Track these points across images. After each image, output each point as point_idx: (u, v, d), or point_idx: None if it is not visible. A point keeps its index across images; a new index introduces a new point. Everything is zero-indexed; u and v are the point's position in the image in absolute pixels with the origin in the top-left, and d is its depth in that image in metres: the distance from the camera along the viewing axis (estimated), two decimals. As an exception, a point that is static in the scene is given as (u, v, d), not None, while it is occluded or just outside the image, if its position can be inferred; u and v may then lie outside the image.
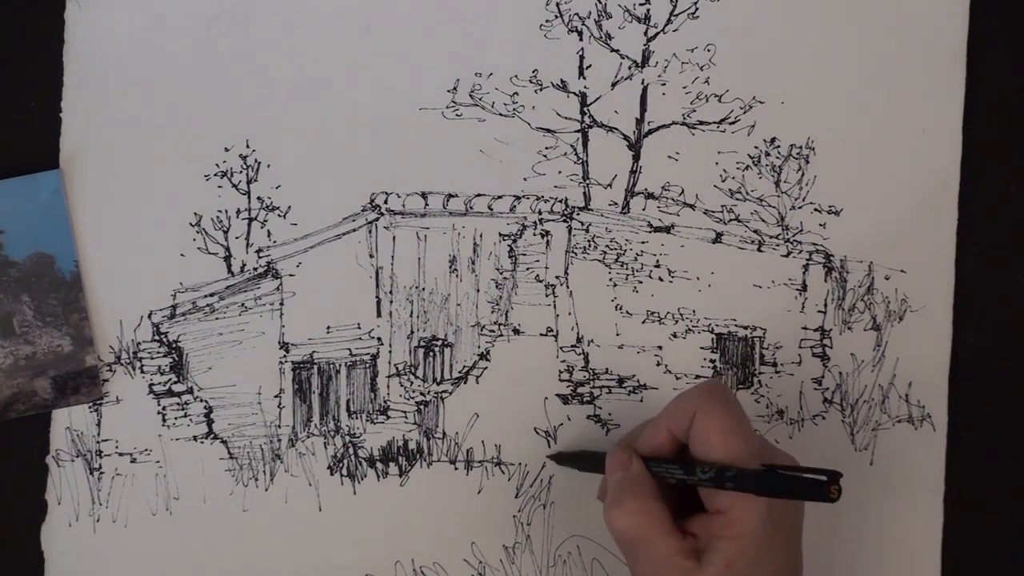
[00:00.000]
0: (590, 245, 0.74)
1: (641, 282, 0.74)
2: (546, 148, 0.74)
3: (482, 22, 0.73)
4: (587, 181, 0.74)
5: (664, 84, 0.74)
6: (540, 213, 0.74)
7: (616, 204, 0.74)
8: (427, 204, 0.73)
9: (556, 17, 0.73)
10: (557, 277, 0.74)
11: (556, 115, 0.74)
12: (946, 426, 0.75)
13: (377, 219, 0.73)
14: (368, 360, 0.73)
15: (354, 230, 0.73)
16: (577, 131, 0.74)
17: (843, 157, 0.75)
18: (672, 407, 0.63)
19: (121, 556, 0.72)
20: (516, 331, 0.74)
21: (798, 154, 0.75)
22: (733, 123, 0.74)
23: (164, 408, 0.72)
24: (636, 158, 0.74)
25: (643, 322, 0.74)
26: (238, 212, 0.72)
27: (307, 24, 0.73)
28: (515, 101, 0.73)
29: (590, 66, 0.74)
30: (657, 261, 0.74)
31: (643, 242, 0.74)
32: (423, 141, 0.73)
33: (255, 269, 0.73)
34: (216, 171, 0.72)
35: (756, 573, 0.59)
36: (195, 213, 0.72)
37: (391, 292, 0.73)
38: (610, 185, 0.74)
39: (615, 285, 0.74)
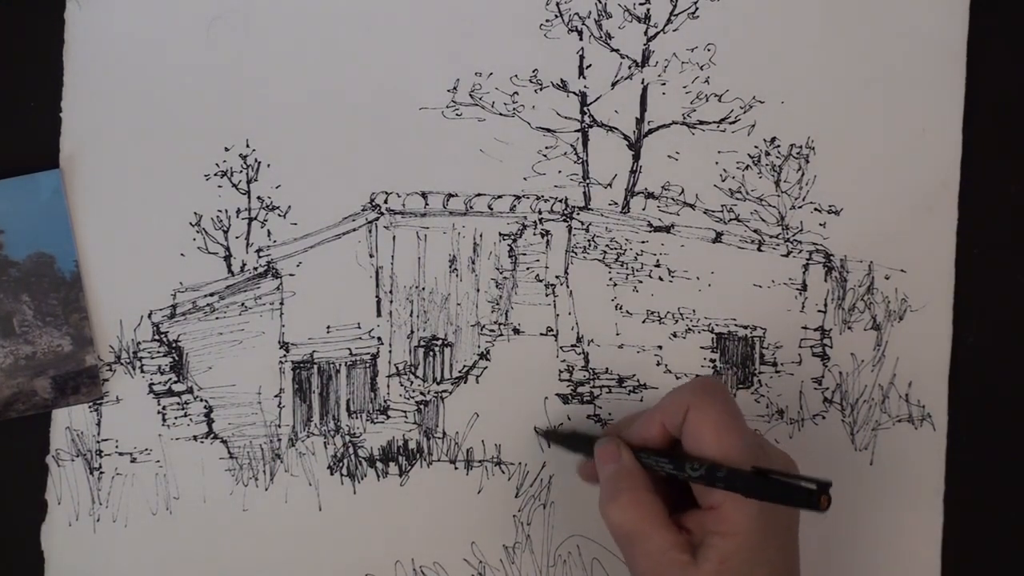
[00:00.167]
0: (590, 245, 0.74)
1: (641, 282, 0.74)
2: (546, 148, 0.74)
3: (482, 22, 0.73)
4: (587, 181, 0.74)
5: (664, 84, 0.74)
6: (540, 213, 0.74)
7: (616, 204, 0.74)
8: (427, 204, 0.73)
9: (556, 17, 0.74)
10: (557, 277, 0.74)
11: (556, 115, 0.74)
12: (946, 426, 0.75)
13: (377, 219, 0.73)
14: (368, 360, 0.73)
15: (354, 230, 0.73)
16: (577, 131, 0.74)
17: (843, 157, 0.75)
18: (666, 401, 0.63)
19: (121, 556, 0.72)
20: (516, 331, 0.74)
21: (798, 154, 0.75)
22: (733, 123, 0.74)
23: (164, 408, 0.72)
24: (636, 158, 0.74)
25: (643, 322, 0.74)
26: (238, 212, 0.72)
27: (307, 24, 0.73)
28: (515, 101, 0.73)
29: (590, 66, 0.74)
30: (657, 261, 0.74)
31: (643, 242, 0.74)
32: (423, 141, 0.73)
33: (255, 269, 0.73)
34: (216, 171, 0.72)
35: (751, 572, 0.59)
36: (195, 213, 0.72)
37: (391, 292, 0.73)
38: (610, 185, 0.74)
39: (615, 285, 0.74)
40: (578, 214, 0.74)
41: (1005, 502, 0.75)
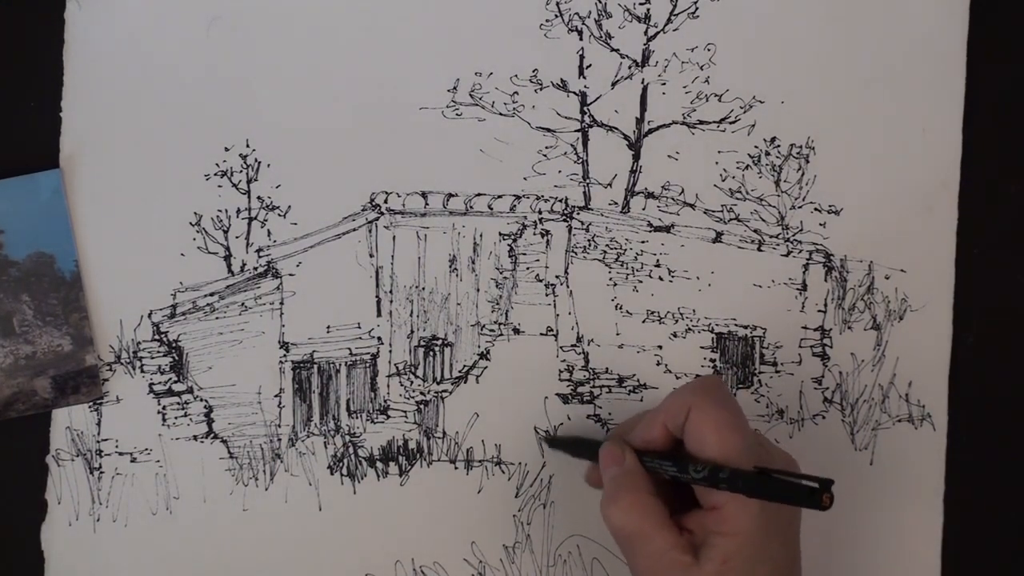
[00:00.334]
0: (590, 245, 0.74)
1: (641, 282, 0.74)
2: (546, 148, 0.74)
3: (482, 22, 0.73)
4: (587, 181, 0.74)
5: (664, 84, 0.74)
6: (540, 213, 0.74)
7: (616, 204, 0.74)
8: (427, 204, 0.73)
9: (556, 17, 0.74)
10: (557, 277, 0.74)
11: (556, 115, 0.74)
12: (946, 426, 0.75)
13: (377, 219, 0.73)
14: (368, 359, 0.73)
15: (354, 230, 0.73)
16: (577, 131, 0.74)
17: (843, 157, 0.75)
18: (668, 402, 0.63)
19: (121, 556, 0.71)
20: (516, 331, 0.74)
21: (798, 154, 0.75)
22: (733, 123, 0.74)
23: (164, 408, 0.72)
24: (636, 158, 0.74)
25: (643, 322, 0.74)
26: (238, 212, 0.72)
27: (307, 24, 0.73)
28: (515, 101, 0.73)
29: (590, 66, 0.74)
30: (657, 261, 0.74)
31: (643, 242, 0.74)
32: (423, 141, 0.73)
33: (255, 269, 0.73)
34: (216, 171, 0.72)
35: (753, 570, 0.59)
36: (195, 213, 0.72)
37: (391, 291, 0.73)
38: (610, 185, 0.74)
39: (615, 285, 0.74)
40: (578, 214, 0.74)
41: (1005, 502, 0.75)
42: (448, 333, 0.73)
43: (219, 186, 0.72)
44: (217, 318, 0.72)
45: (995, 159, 0.75)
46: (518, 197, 0.73)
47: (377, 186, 0.73)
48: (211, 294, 0.72)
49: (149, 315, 0.72)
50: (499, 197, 0.73)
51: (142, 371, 0.72)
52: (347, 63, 0.73)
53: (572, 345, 0.74)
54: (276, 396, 0.72)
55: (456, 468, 0.73)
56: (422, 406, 0.73)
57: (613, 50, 0.74)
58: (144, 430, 0.72)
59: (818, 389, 0.74)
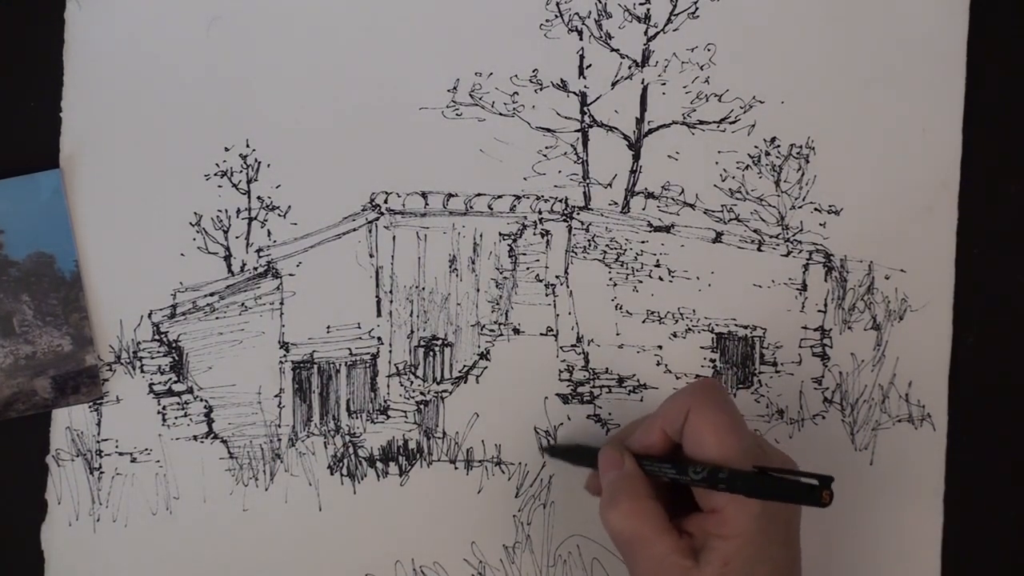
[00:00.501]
0: (590, 245, 0.74)
1: (641, 282, 0.74)
2: (546, 148, 0.74)
3: (482, 22, 0.73)
4: (587, 181, 0.74)
5: (664, 84, 0.74)
6: (540, 213, 0.74)
7: (616, 204, 0.74)
8: (427, 204, 0.73)
9: (556, 17, 0.74)
10: (557, 277, 0.74)
11: (556, 115, 0.74)
12: (946, 426, 0.75)
13: (377, 219, 0.73)
14: (368, 360, 0.73)
15: (354, 230, 0.73)
16: (577, 131, 0.74)
17: (843, 157, 0.75)
18: (665, 406, 0.63)
19: (121, 556, 0.71)
20: (516, 331, 0.74)
21: (798, 154, 0.75)
22: (733, 123, 0.74)
23: (164, 408, 0.72)
24: (636, 158, 0.74)
25: (643, 322, 0.74)
26: (238, 212, 0.72)
27: (307, 24, 0.73)
28: (515, 101, 0.73)
29: (590, 66, 0.74)
30: (657, 261, 0.74)
31: (643, 242, 0.74)
32: (423, 141, 0.73)
33: (255, 269, 0.73)
34: (216, 171, 0.72)
35: (753, 572, 0.59)
36: (195, 213, 0.72)
37: (391, 292, 0.73)
38: (610, 185, 0.74)
39: (615, 285, 0.74)
40: (578, 214, 0.74)
41: (1005, 502, 0.75)
42: (448, 333, 0.73)
43: (219, 186, 0.72)
44: (217, 318, 0.72)
45: (995, 159, 0.75)
46: (518, 197, 0.73)
47: (377, 186, 0.73)
48: (211, 294, 0.72)
49: (149, 315, 0.72)
50: (499, 197, 0.73)
51: (142, 371, 0.72)
52: (347, 63, 0.73)
53: (572, 345, 0.74)
54: (276, 396, 0.72)
55: (456, 468, 0.73)
56: (422, 406, 0.73)
57: (613, 50, 0.74)
58: (144, 430, 0.72)
59: (818, 389, 0.75)
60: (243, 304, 0.72)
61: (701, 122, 0.74)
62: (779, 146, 0.75)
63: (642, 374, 0.74)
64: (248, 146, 0.72)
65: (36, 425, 0.71)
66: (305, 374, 0.73)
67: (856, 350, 0.75)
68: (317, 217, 0.73)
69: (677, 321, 0.74)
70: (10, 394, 0.71)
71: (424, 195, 0.73)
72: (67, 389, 0.71)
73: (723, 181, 0.74)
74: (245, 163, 0.72)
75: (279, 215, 0.72)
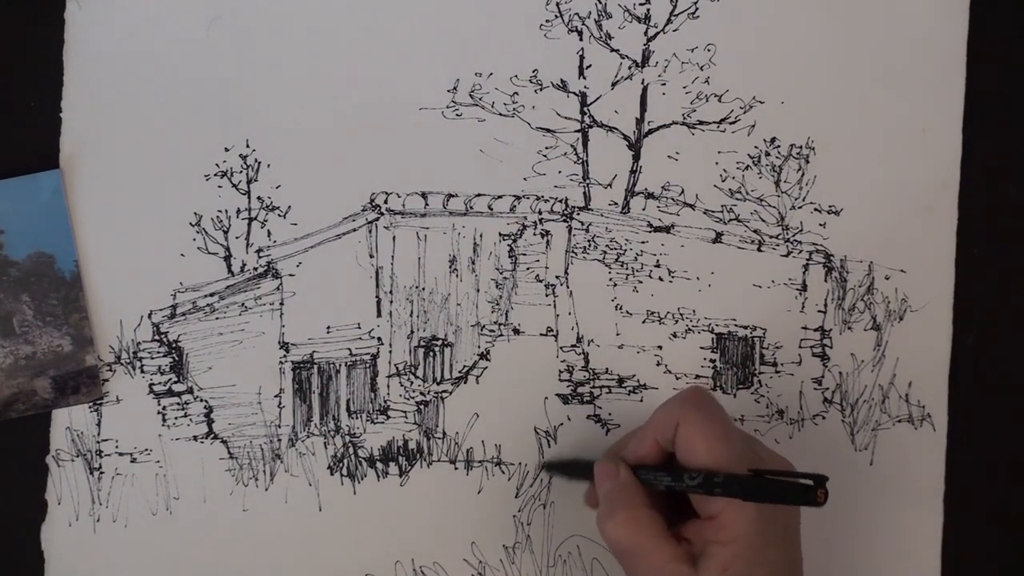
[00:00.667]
0: (590, 245, 0.74)
1: (641, 282, 0.74)
2: (546, 148, 0.74)
3: (482, 22, 0.73)
4: (587, 181, 0.74)
5: (664, 84, 0.74)
6: (540, 213, 0.74)
7: (616, 204, 0.74)
8: (427, 204, 0.73)
9: (556, 17, 0.73)
10: (557, 277, 0.74)
11: (556, 115, 0.74)
12: (946, 426, 0.75)
13: (377, 219, 0.73)
14: (368, 360, 0.73)
15: (354, 230, 0.73)
16: (577, 131, 0.74)
17: (843, 157, 0.75)
18: (655, 417, 0.63)
19: (121, 556, 0.72)
20: (516, 331, 0.74)
21: (798, 154, 0.75)
22: (733, 123, 0.74)
23: (164, 408, 0.72)
24: (636, 158, 0.74)
25: (643, 322, 0.74)
26: (238, 212, 0.72)
27: (307, 24, 0.73)
28: (515, 101, 0.73)
29: (590, 66, 0.74)
30: (657, 261, 0.74)
31: (643, 242, 0.74)
32: (423, 141, 0.73)
33: (255, 269, 0.73)
34: (216, 171, 0.72)
35: (752, 574, 0.59)
36: (195, 213, 0.72)
37: (391, 292, 0.73)
38: (610, 185, 0.74)
39: (615, 285, 0.74)
40: (578, 214, 0.74)
41: (1005, 502, 0.75)
42: (448, 333, 0.73)
43: (219, 186, 0.72)
44: (217, 318, 0.72)
45: (995, 159, 0.75)
46: (518, 197, 0.73)
47: (377, 186, 0.73)
48: (211, 294, 0.72)
49: (149, 315, 0.72)
50: (499, 197, 0.73)
51: (142, 371, 0.72)
52: (347, 63, 0.73)
53: (572, 345, 0.74)
54: (276, 396, 0.72)
55: (456, 468, 0.73)
56: (422, 406, 0.73)
57: (613, 50, 0.74)
58: (144, 430, 0.72)
59: (818, 389, 0.75)
60: (243, 304, 0.72)
61: (701, 122, 0.74)
62: (779, 146, 0.75)
63: (642, 374, 0.74)
64: (248, 146, 0.72)
65: (36, 425, 0.71)
66: (305, 374, 0.73)
67: (856, 350, 0.75)
68: (317, 217, 0.73)
69: (677, 321, 0.74)
70: (10, 394, 0.71)
71: (424, 195, 0.73)
72: (67, 389, 0.71)
73: (723, 181, 0.74)
74: (245, 163, 0.72)
75: (279, 215, 0.72)
